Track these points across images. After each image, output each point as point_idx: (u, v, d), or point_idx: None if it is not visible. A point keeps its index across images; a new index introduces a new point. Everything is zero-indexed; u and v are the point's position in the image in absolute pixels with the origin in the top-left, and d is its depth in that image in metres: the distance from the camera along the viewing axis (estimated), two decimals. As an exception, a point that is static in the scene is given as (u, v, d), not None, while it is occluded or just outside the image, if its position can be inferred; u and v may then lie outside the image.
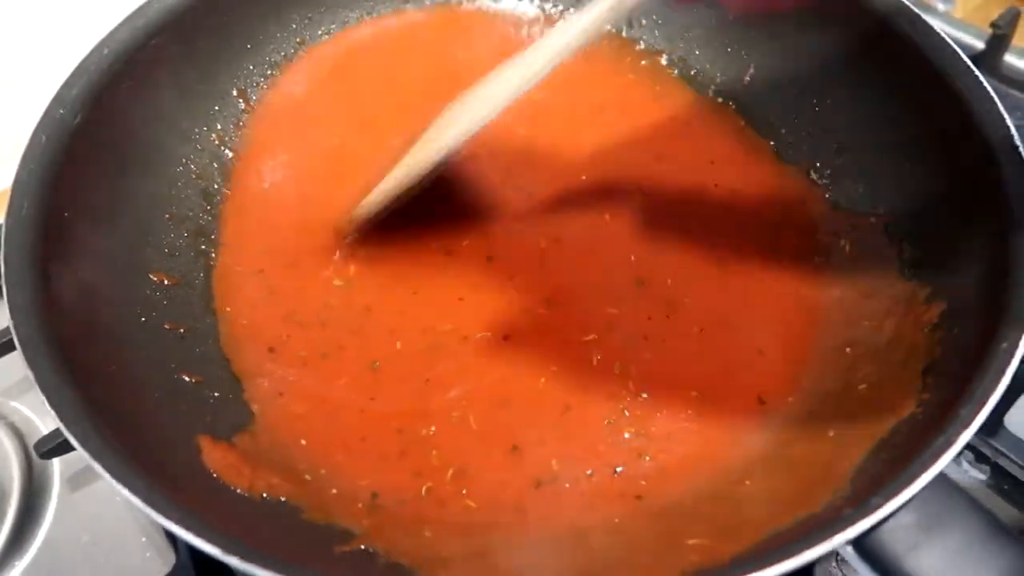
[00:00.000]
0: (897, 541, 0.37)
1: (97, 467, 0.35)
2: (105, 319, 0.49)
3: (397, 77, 0.68)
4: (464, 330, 0.54)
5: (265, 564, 0.33)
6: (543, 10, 0.72)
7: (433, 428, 0.50)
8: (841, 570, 0.46)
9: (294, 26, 0.67)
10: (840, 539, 0.33)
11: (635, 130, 0.65)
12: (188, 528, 0.34)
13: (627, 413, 0.50)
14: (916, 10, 0.55)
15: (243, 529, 0.40)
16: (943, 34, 0.53)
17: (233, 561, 0.33)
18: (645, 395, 0.50)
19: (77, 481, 0.56)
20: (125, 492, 0.34)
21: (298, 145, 0.64)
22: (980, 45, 0.81)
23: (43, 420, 0.59)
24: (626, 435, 0.49)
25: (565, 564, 0.43)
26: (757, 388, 0.50)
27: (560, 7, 0.72)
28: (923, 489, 0.35)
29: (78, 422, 0.38)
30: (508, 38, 0.71)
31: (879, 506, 0.34)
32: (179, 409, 0.48)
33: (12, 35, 0.78)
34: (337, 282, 0.56)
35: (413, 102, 0.64)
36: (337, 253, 0.58)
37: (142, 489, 0.35)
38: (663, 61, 0.69)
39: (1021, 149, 0.47)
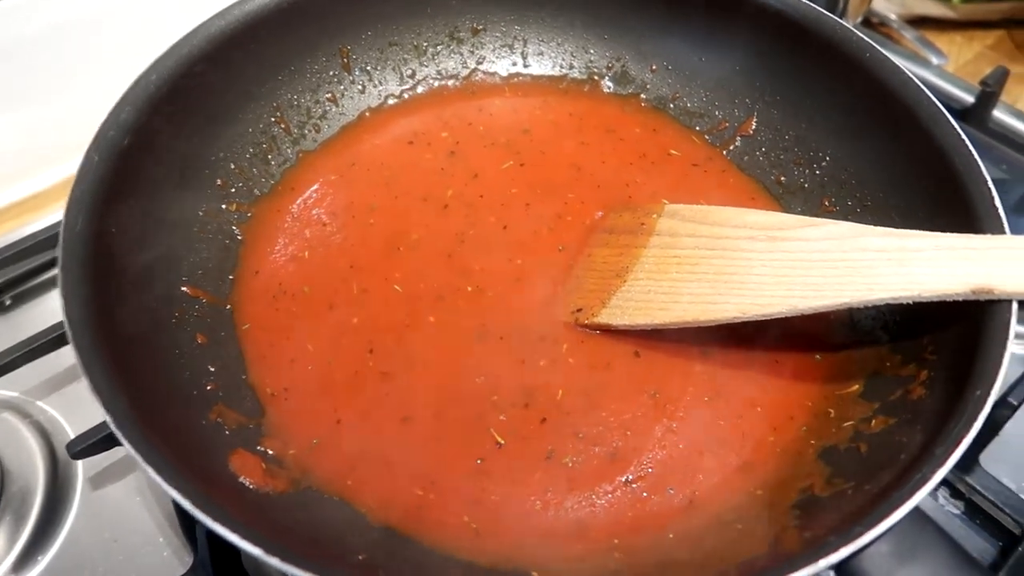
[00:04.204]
0: (874, 568, 0.40)
1: (151, 472, 0.39)
2: (144, 330, 0.52)
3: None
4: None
5: (303, 566, 0.36)
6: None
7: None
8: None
9: (325, 60, 0.71)
10: (824, 563, 0.37)
11: (637, 171, 0.68)
12: (235, 531, 0.37)
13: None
14: (909, 72, 0.59)
15: (270, 528, 0.43)
16: (936, 89, 0.57)
17: (273, 562, 0.36)
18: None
19: (99, 480, 0.59)
20: (178, 497, 0.38)
21: (330, 179, 0.67)
22: (970, 100, 0.86)
23: (68, 420, 0.62)
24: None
25: None
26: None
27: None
28: (899, 521, 0.38)
29: (131, 428, 0.41)
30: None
31: (861, 534, 0.37)
32: (208, 417, 0.52)
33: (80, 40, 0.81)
34: (354, 320, 0.59)
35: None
36: (355, 286, 0.60)
37: (194, 494, 0.38)
38: (670, 106, 0.73)
39: (1000, 208, 0.51)
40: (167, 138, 0.58)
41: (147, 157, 0.56)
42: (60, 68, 0.81)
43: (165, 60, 0.58)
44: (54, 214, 0.74)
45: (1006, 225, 0.50)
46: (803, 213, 0.64)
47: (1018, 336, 0.60)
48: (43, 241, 0.68)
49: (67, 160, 0.58)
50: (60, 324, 0.59)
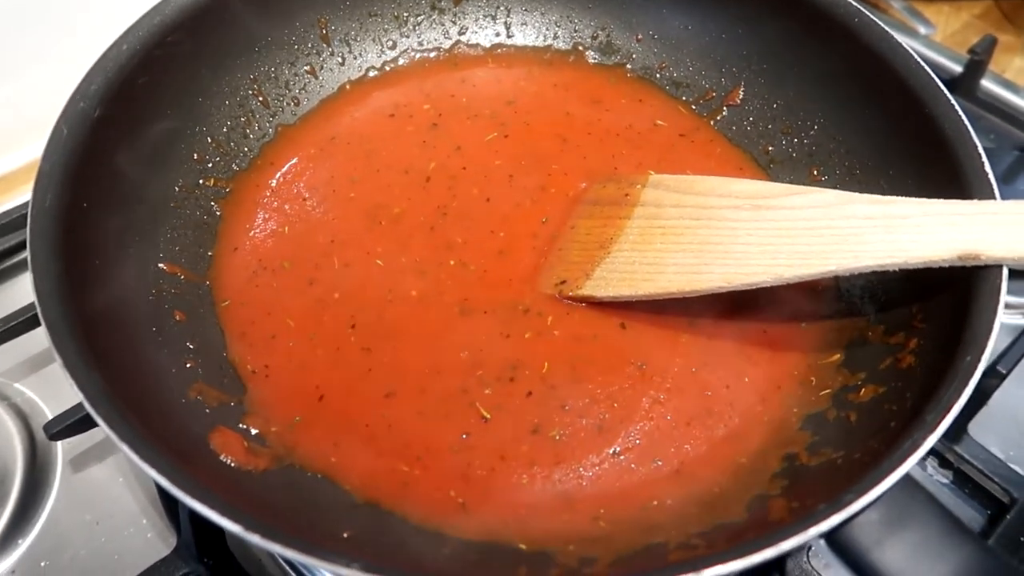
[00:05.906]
0: (864, 536, 0.40)
1: (126, 449, 0.38)
2: (120, 307, 0.51)
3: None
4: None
5: (286, 543, 0.35)
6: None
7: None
8: (811, 563, 0.49)
9: (303, 30, 0.69)
10: (814, 531, 0.36)
11: (623, 142, 0.67)
12: (213, 507, 0.36)
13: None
14: (899, 39, 0.58)
15: (252, 506, 0.43)
16: (924, 58, 0.57)
17: (254, 539, 0.35)
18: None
19: (79, 463, 0.58)
20: (154, 474, 0.37)
21: (310, 152, 0.66)
22: (958, 69, 0.85)
23: (46, 402, 0.61)
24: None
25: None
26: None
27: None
28: (889, 488, 0.38)
29: (104, 405, 0.40)
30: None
31: (851, 502, 0.37)
32: (188, 395, 0.51)
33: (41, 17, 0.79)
34: (336, 295, 0.58)
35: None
36: (336, 261, 0.59)
37: (169, 471, 0.37)
38: (656, 76, 0.72)
39: (990, 174, 0.51)
40: (140, 110, 0.57)
41: (119, 130, 0.54)
42: (30, 43, 0.79)
43: (137, 29, 0.57)
44: (27, 193, 0.72)
45: (996, 191, 0.49)
46: (791, 183, 0.63)
47: (1006, 306, 0.59)
48: (16, 220, 0.66)
49: (40, 138, 0.58)
50: (34, 304, 0.58)
